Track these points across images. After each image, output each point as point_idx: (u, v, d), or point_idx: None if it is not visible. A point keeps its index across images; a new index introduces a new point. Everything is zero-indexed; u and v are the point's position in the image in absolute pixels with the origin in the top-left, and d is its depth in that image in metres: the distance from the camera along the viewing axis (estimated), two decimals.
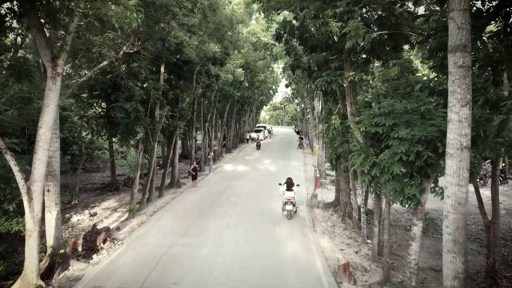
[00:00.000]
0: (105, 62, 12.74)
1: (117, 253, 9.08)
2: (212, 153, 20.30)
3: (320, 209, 13.33)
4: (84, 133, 18.05)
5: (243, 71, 22.57)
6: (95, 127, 16.50)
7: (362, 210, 10.25)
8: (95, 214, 13.48)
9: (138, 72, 14.22)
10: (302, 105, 37.31)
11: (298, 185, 12.70)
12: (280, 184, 12.62)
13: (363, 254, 9.20)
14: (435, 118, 6.18)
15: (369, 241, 9.85)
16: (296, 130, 49.61)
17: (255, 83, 29.00)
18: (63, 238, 9.21)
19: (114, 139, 17.20)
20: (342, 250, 9.45)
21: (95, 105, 16.18)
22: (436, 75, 7.75)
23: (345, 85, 9.46)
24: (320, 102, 12.61)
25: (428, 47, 8.21)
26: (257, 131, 43.08)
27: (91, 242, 9.59)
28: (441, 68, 7.15)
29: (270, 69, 31.01)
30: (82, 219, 12.97)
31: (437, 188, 6.39)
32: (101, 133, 16.65)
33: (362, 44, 8.40)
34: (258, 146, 32.17)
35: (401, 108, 6.67)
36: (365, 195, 10.74)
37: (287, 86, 33.04)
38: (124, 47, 13.23)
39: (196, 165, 16.89)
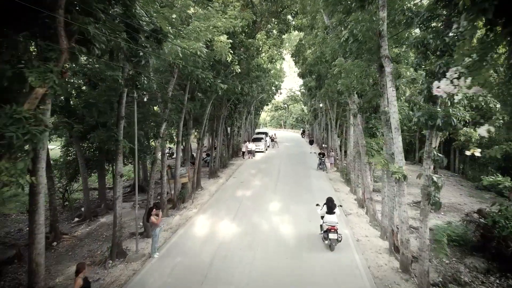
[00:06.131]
0: None
1: None
2: (160, 213, 9.15)
3: None
4: None
5: (230, 42, 11.77)
6: None
7: None
8: None
9: None
10: (321, 105, 26.54)
11: (340, 205, 11.13)
12: (317, 205, 10.18)
13: None
14: None
15: None
16: (310, 139, 38.07)
17: (252, 69, 18.10)
18: None
19: None
20: None
21: None
22: None
23: None
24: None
25: None
26: (256, 140, 31.96)
27: None
28: None
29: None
30: None
31: None
32: None
33: None
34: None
35: None
36: None
37: (303, 76, 22.24)
38: None
39: (85, 280, 6.01)
